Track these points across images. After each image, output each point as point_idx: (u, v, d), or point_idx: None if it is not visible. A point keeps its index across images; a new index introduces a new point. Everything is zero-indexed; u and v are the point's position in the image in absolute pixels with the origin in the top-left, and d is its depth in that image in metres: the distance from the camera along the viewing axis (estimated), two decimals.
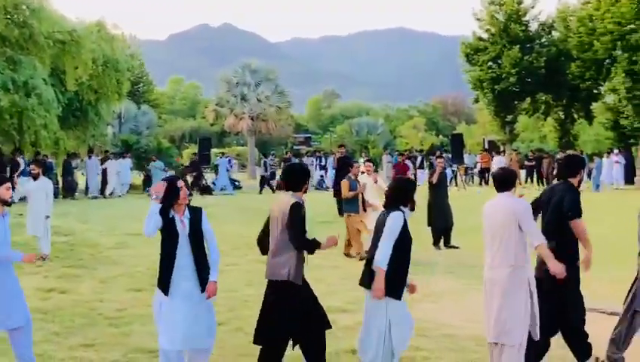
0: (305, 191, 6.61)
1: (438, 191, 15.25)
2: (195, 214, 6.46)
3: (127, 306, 9.67)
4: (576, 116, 44.45)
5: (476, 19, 44.25)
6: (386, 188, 6.75)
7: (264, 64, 53.04)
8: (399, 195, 6.54)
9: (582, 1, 41.15)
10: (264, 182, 33.35)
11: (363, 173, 14.68)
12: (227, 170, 35.08)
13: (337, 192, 21.27)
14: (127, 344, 7.88)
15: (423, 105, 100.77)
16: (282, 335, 6.35)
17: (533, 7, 43.35)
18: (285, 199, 6.50)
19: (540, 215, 7.03)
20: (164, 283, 6.25)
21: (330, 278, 11.46)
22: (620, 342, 6.84)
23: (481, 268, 6.66)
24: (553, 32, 44.35)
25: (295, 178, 6.64)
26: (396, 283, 6.24)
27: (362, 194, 13.98)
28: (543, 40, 44.10)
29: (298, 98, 70.52)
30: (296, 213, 6.35)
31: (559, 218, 6.77)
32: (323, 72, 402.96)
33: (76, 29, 27.48)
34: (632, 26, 34.25)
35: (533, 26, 43.82)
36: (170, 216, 6.27)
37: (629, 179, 34.43)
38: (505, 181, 6.58)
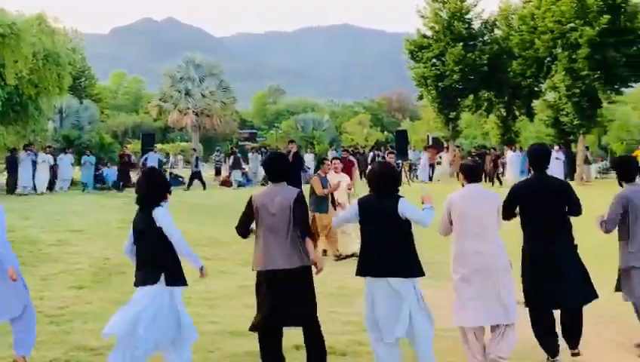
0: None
1: None
2: None
3: (68, 304, 9.52)
4: (517, 113, 45.03)
5: (420, 17, 44.53)
6: (370, 175, 6.71)
7: (208, 59, 52.79)
8: (391, 181, 6.52)
9: None
10: (194, 177, 33.08)
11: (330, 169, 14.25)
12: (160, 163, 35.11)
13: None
14: (68, 342, 7.75)
15: (368, 102, 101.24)
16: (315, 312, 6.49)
17: (475, 5, 43.70)
18: (279, 190, 6.52)
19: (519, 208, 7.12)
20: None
21: None
22: None
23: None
24: (495, 30, 44.77)
25: (285, 168, 6.72)
26: (419, 262, 6.33)
27: (333, 193, 13.56)
28: (486, 38, 44.50)
29: (243, 93, 70.32)
30: (305, 202, 6.59)
31: (560, 208, 6.97)
32: (268, 67, 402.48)
33: (16, 22, 26.99)
34: (572, 25, 34.80)
35: (476, 24, 44.17)
36: None
37: (568, 175, 35.13)
38: (477, 172, 6.91)
